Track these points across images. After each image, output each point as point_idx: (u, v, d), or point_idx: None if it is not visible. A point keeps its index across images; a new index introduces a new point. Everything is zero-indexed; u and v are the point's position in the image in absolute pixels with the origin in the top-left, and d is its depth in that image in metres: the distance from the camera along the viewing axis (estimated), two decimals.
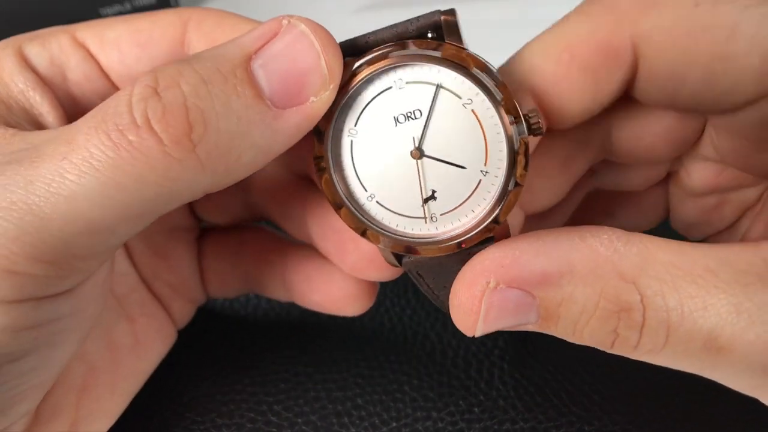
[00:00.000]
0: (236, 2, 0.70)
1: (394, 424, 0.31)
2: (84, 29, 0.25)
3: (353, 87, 0.21)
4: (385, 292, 0.37)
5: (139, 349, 0.29)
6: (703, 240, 0.30)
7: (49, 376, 0.23)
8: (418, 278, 0.24)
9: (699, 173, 0.27)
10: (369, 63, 0.21)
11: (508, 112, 0.20)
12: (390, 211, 0.22)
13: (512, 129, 0.20)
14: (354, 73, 0.21)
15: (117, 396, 0.28)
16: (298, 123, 0.20)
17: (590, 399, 0.32)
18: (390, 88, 0.21)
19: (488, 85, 0.20)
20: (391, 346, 0.34)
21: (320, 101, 0.20)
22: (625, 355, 0.21)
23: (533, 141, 0.21)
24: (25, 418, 0.23)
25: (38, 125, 0.24)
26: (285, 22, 0.20)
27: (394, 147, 0.21)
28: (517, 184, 0.21)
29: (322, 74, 0.20)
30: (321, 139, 0.22)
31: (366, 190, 0.22)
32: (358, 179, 0.22)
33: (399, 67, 0.21)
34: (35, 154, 0.19)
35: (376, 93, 0.21)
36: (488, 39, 0.64)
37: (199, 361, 0.34)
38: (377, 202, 0.22)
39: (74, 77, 0.25)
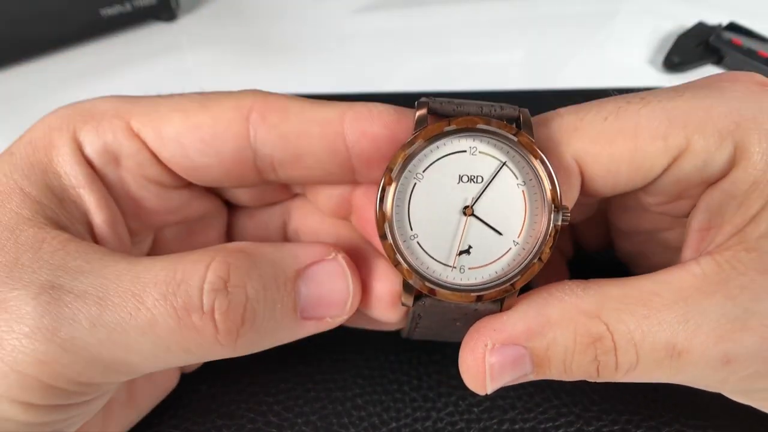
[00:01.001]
0: (237, 3, 0.70)
1: (394, 425, 0.31)
2: (139, 118, 0.25)
3: (437, 140, 0.24)
4: None
5: (131, 404, 0.30)
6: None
7: None
8: (415, 317, 0.27)
9: (622, 216, 0.33)
10: (458, 124, 0.24)
11: (552, 201, 0.24)
12: (426, 253, 0.25)
13: (552, 215, 0.24)
14: (442, 129, 0.24)
15: None
16: (311, 332, 0.26)
17: (590, 399, 0.32)
18: (464, 151, 0.25)
19: (542, 176, 0.24)
20: (391, 346, 0.34)
21: (334, 322, 0.26)
22: (612, 380, 0.25)
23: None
24: None
25: (86, 222, 0.25)
26: (332, 254, 0.26)
27: (451, 200, 0.25)
28: (539, 260, 0.24)
29: (345, 308, 0.26)
30: (392, 175, 0.24)
31: (411, 229, 0.24)
32: (408, 218, 0.24)
33: (478, 137, 0.24)
34: (101, 295, 0.21)
35: (452, 151, 0.25)
36: (489, 39, 0.64)
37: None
38: (418, 242, 0.25)
39: (127, 165, 0.26)
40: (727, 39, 0.57)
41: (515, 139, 0.24)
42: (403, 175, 0.24)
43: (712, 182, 0.26)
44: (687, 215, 0.28)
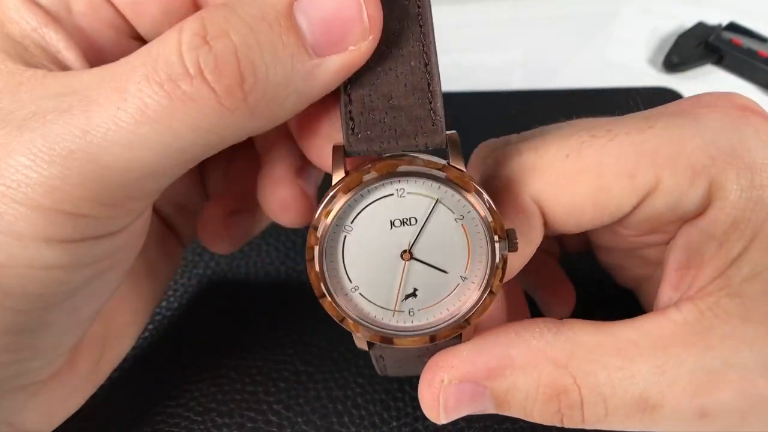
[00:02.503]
0: None
1: (395, 424, 0.31)
2: None
3: (358, 190, 0.22)
4: None
5: (151, 274, 0.31)
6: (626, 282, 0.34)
7: (99, 308, 0.25)
8: (379, 359, 0.26)
9: (598, 234, 0.31)
10: (378, 171, 0.22)
11: (495, 232, 0.22)
12: (372, 303, 0.23)
13: (496, 246, 0.22)
14: (361, 178, 0.22)
15: (138, 319, 0.30)
16: (337, 70, 0.21)
17: None
18: (392, 195, 0.22)
19: (480, 208, 0.22)
20: None
21: (359, 50, 0.21)
22: (578, 427, 0.24)
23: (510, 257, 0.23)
24: (68, 351, 0.25)
25: (59, 64, 0.23)
26: None
27: (387, 247, 0.23)
28: (491, 293, 0.23)
29: (363, 25, 0.21)
30: (316, 231, 0.22)
31: (351, 281, 0.23)
32: (345, 272, 0.23)
33: (404, 179, 0.22)
34: (85, 103, 0.20)
35: (378, 197, 0.22)
36: (489, 39, 0.64)
37: (200, 361, 0.34)
38: (360, 293, 0.23)
39: (79, 8, 0.24)
40: (727, 39, 0.57)
41: (443, 175, 0.22)
42: (330, 230, 0.22)
43: (687, 219, 0.24)
44: (666, 243, 0.26)
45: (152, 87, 0.19)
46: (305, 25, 0.20)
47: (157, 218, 0.32)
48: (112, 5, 0.25)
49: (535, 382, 0.23)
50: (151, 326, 0.36)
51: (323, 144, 0.25)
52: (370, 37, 0.21)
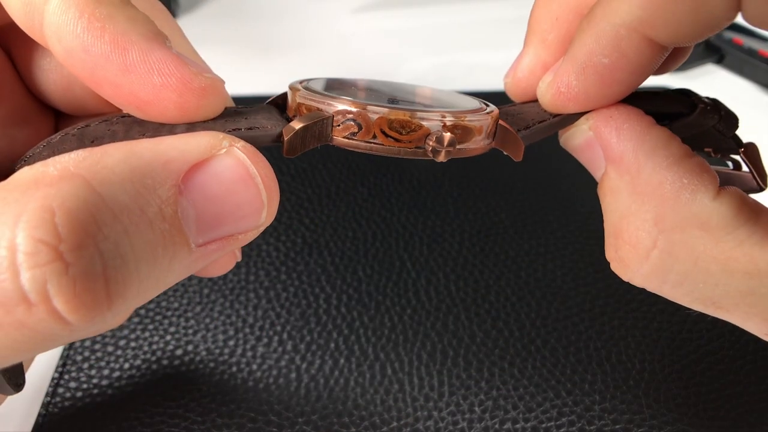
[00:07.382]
0: (237, 3, 0.70)
1: (395, 424, 0.31)
2: None
3: None
4: (385, 291, 0.37)
5: None
6: None
7: None
8: None
9: None
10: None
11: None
12: None
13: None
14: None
15: None
16: (217, 257, 0.17)
17: (592, 399, 0.32)
18: None
19: None
20: (393, 346, 0.34)
21: (246, 237, 0.17)
22: None
23: None
24: None
25: None
26: (224, 145, 0.16)
27: None
28: None
29: (260, 218, 0.17)
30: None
31: None
32: None
33: None
34: None
35: None
36: (489, 39, 0.64)
37: (199, 361, 0.34)
38: None
39: None
40: (728, 38, 0.57)
41: None
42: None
43: None
44: None
45: None
46: (192, 215, 0.16)
47: None
48: None
49: None
50: (151, 326, 0.36)
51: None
52: (262, 228, 0.18)
